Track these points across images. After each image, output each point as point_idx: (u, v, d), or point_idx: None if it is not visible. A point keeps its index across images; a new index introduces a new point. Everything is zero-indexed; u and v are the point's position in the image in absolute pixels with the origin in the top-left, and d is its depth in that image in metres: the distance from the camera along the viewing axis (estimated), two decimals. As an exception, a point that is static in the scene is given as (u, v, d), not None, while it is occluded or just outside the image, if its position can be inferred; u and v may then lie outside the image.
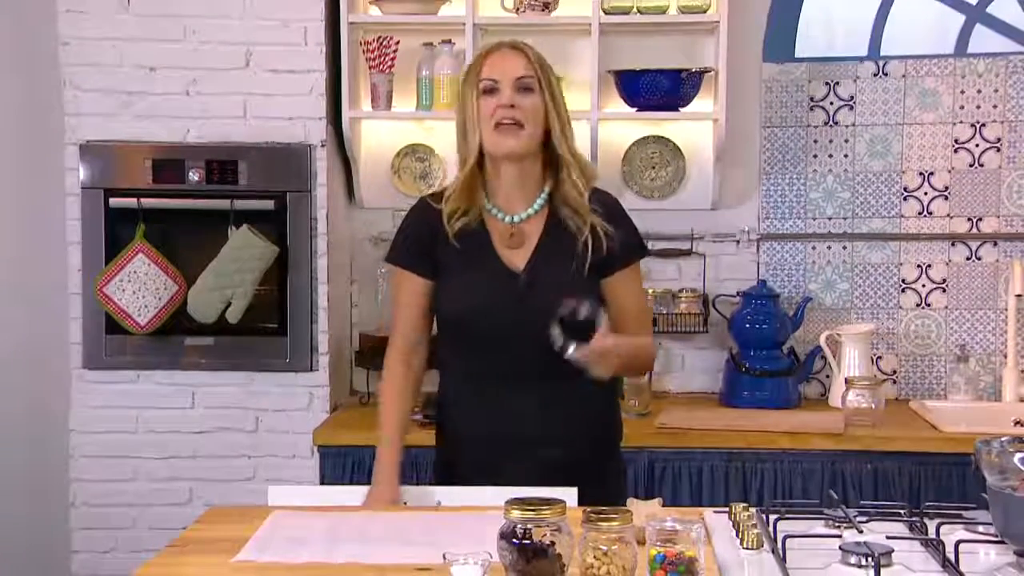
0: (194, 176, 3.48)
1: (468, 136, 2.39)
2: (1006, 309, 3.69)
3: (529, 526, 1.72)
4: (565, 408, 2.39)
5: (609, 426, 2.53)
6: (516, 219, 2.42)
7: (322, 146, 3.50)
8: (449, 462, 2.49)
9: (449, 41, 3.59)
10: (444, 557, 1.76)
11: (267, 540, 2.03)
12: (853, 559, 1.79)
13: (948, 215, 3.75)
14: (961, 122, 3.72)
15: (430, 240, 2.42)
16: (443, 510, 2.25)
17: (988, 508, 1.87)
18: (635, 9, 3.56)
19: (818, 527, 1.98)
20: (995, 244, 3.73)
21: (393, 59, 3.60)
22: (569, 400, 2.38)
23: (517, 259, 2.40)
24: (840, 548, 1.83)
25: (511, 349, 2.35)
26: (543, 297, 2.30)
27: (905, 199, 3.75)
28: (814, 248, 3.79)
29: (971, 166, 3.73)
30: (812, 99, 3.76)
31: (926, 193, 3.74)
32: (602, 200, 2.45)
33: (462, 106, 2.40)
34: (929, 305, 3.76)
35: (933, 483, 3.18)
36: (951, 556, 1.80)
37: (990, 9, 3.74)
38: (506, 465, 2.34)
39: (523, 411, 2.37)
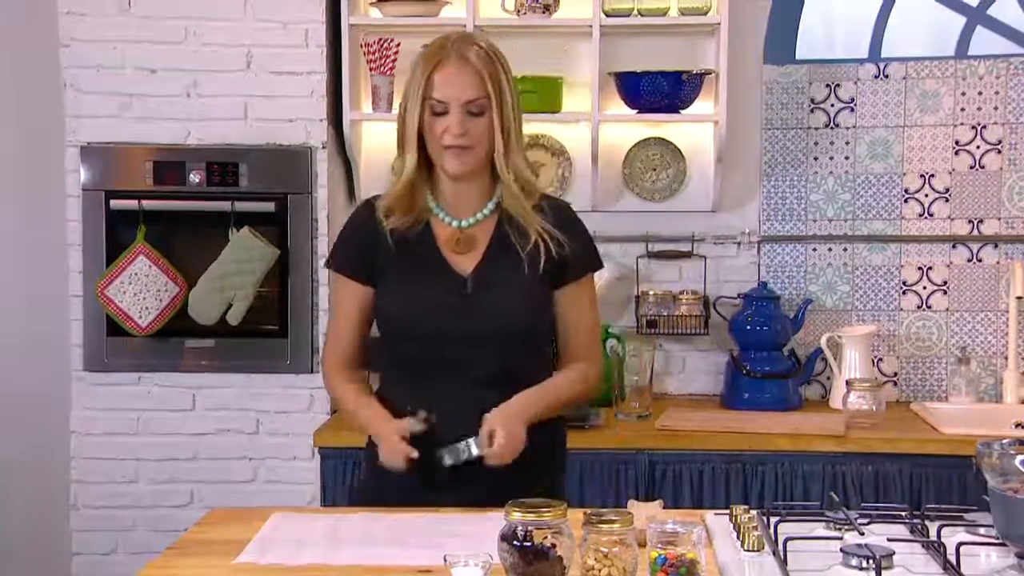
0: (195, 178, 3.48)
1: (408, 145, 2.29)
2: (1007, 311, 3.69)
3: (530, 528, 1.72)
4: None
5: (555, 440, 2.40)
6: (464, 224, 2.33)
7: (323, 148, 3.50)
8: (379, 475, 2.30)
9: (450, 43, 3.58)
10: (445, 559, 1.76)
11: (268, 542, 2.03)
12: (854, 561, 1.79)
13: (949, 217, 3.75)
14: (962, 124, 3.72)
15: (371, 243, 2.32)
16: (443, 512, 2.23)
17: (989, 510, 1.86)
18: (636, 11, 3.56)
19: (819, 529, 1.98)
20: (996, 246, 3.73)
21: (394, 61, 3.60)
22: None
23: (465, 263, 2.31)
24: (841, 550, 1.83)
25: (455, 357, 2.26)
26: (492, 302, 2.26)
27: (906, 201, 3.75)
28: (815, 250, 3.79)
29: (972, 168, 3.73)
30: (813, 101, 3.76)
31: (927, 195, 3.74)
32: (554, 206, 2.36)
33: (403, 115, 2.29)
34: (930, 307, 3.76)
35: (934, 485, 3.18)
36: (952, 558, 1.80)
37: (991, 11, 3.74)
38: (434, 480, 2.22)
39: (463, 419, 2.22)
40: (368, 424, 2.32)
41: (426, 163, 2.31)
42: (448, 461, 2.19)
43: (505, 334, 2.28)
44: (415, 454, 2.19)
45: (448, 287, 2.29)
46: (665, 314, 3.69)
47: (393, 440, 2.21)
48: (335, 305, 2.45)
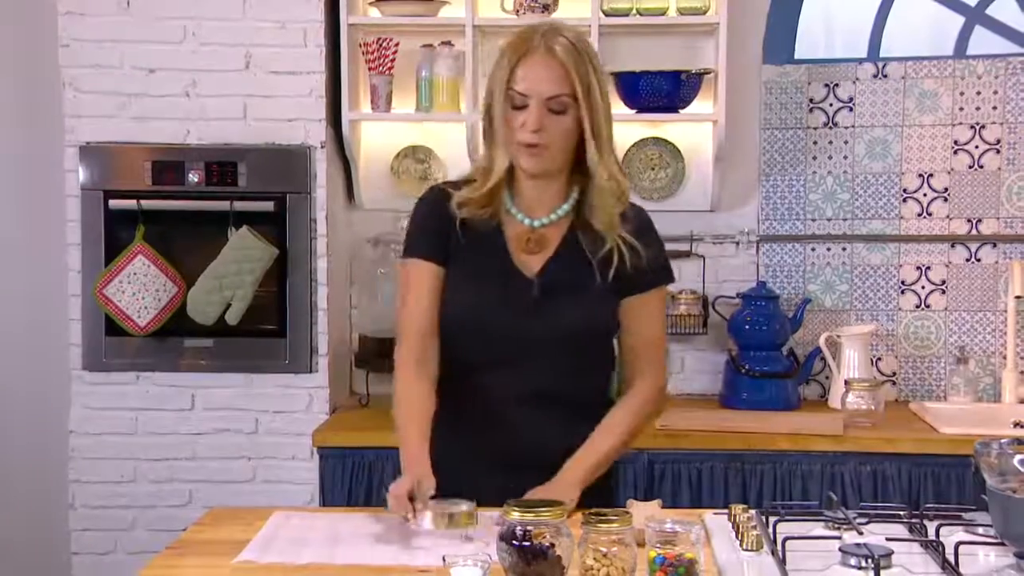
0: (194, 178, 3.48)
1: (496, 145, 2.20)
2: (1006, 311, 3.70)
3: (529, 528, 1.72)
4: (559, 434, 2.19)
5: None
6: (537, 223, 2.24)
7: (322, 148, 3.50)
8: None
9: (449, 43, 3.59)
10: (444, 559, 1.76)
11: (268, 541, 2.03)
12: (853, 561, 1.79)
13: (947, 217, 3.75)
14: (960, 124, 3.72)
15: (444, 229, 2.23)
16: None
17: (988, 510, 1.87)
18: (634, 11, 3.56)
19: (818, 529, 1.98)
20: (995, 246, 3.73)
21: (393, 61, 3.60)
22: (574, 420, 2.21)
23: (532, 264, 2.24)
24: (840, 550, 1.83)
25: (512, 359, 2.19)
26: (557, 306, 2.19)
27: (904, 201, 3.76)
28: (813, 250, 3.79)
29: (970, 167, 3.73)
30: (812, 101, 3.76)
31: (925, 195, 3.75)
32: (634, 213, 2.27)
33: (489, 113, 2.21)
34: (929, 306, 3.76)
35: (933, 485, 3.18)
36: (951, 558, 1.80)
37: (989, 11, 3.74)
38: (489, 485, 2.09)
39: (519, 426, 2.19)
40: (402, 459, 2.12)
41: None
42: (430, 526, 1.99)
43: (566, 339, 2.21)
44: (410, 516, 2.00)
45: (513, 289, 2.22)
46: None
47: (395, 496, 2.02)
48: (407, 294, 2.26)
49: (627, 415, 2.27)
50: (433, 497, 2.01)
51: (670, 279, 2.34)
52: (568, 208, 2.25)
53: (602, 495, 2.19)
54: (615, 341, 2.33)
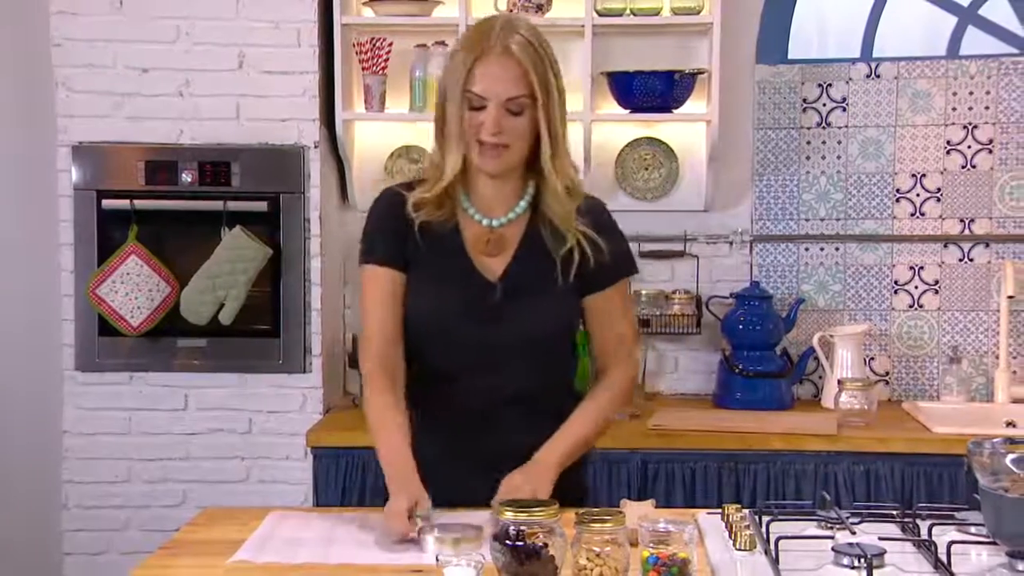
0: (187, 177, 3.48)
1: (449, 143, 2.16)
2: (998, 310, 3.70)
3: (522, 527, 1.72)
4: (532, 433, 2.16)
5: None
6: (495, 223, 2.21)
7: (315, 147, 3.50)
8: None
9: (442, 43, 3.59)
10: (437, 559, 1.76)
11: (263, 541, 2.03)
12: (846, 560, 1.79)
13: (940, 216, 3.75)
14: (953, 124, 3.73)
15: (401, 233, 2.19)
16: (438, 511, 2.22)
17: (980, 509, 1.87)
18: (628, 11, 3.56)
19: (811, 528, 1.98)
20: (987, 245, 3.74)
21: (386, 60, 3.60)
22: (543, 419, 2.19)
23: (494, 266, 2.20)
24: (833, 549, 1.83)
25: (483, 365, 2.17)
26: (520, 309, 2.17)
27: (897, 200, 3.76)
28: (807, 249, 3.79)
29: (963, 168, 3.73)
30: (805, 101, 3.77)
31: (918, 195, 3.75)
32: (592, 208, 2.24)
33: (443, 112, 2.17)
34: (922, 306, 3.77)
35: (925, 484, 3.18)
36: (943, 557, 1.80)
37: (982, 11, 3.75)
38: (463, 488, 2.10)
39: (490, 428, 2.18)
40: (386, 476, 2.10)
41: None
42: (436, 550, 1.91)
43: (530, 342, 2.18)
44: (412, 535, 1.96)
45: (475, 294, 2.18)
46: (657, 313, 3.70)
47: (395, 516, 1.98)
48: (367, 302, 2.22)
49: (601, 403, 2.26)
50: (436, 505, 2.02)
51: (633, 269, 2.31)
52: (525, 205, 2.22)
53: (572, 485, 2.17)
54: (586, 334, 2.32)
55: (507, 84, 2.10)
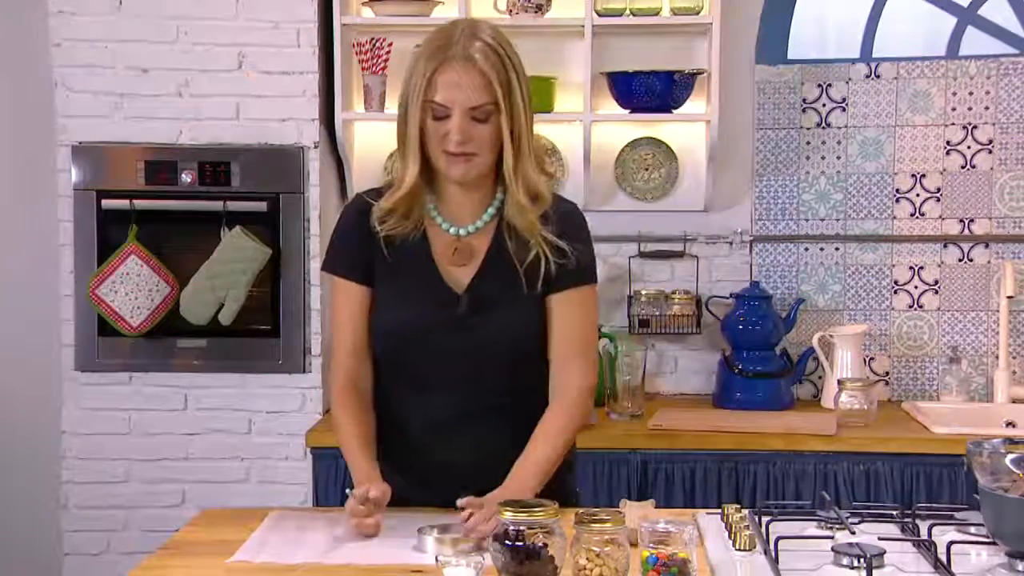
0: (187, 177, 3.48)
1: (409, 151, 2.11)
2: (998, 310, 3.70)
3: (522, 528, 1.72)
4: (502, 442, 2.14)
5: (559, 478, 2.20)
6: (463, 232, 2.17)
7: (315, 147, 3.50)
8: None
9: (442, 43, 3.58)
10: (436, 559, 1.76)
11: (262, 541, 2.03)
12: (845, 560, 1.80)
13: (940, 217, 3.75)
14: (953, 124, 3.73)
15: (367, 244, 2.17)
16: (434, 512, 2.22)
17: (980, 509, 1.87)
18: (628, 11, 3.56)
19: (810, 528, 1.98)
20: (987, 246, 3.74)
21: (386, 60, 3.60)
22: (515, 429, 2.15)
23: (461, 276, 2.16)
24: (832, 549, 1.83)
25: (452, 377, 2.15)
26: (485, 322, 2.14)
27: (897, 201, 3.76)
28: (807, 250, 3.79)
29: (963, 168, 3.73)
30: (805, 101, 3.77)
31: (918, 195, 3.75)
32: (562, 212, 2.19)
33: (405, 118, 2.11)
34: (921, 306, 3.77)
35: (925, 484, 3.18)
36: (943, 557, 1.80)
37: (982, 11, 3.75)
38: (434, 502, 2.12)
39: (462, 441, 2.16)
40: (354, 480, 2.14)
41: (426, 166, 2.13)
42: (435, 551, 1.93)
43: (497, 355, 2.16)
44: (369, 521, 2.03)
45: (441, 306, 2.15)
46: (657, 314, 3.70)
47: (351, 511, 2.05)
48: (335, 314, 2.25)
49: (560, 419, 2.18)
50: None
51: (592, 280, 2.23)
52: (493, 212, 2.18)
53: (560, 492, 2.13)
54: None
55: (469, 93, 2.06)
